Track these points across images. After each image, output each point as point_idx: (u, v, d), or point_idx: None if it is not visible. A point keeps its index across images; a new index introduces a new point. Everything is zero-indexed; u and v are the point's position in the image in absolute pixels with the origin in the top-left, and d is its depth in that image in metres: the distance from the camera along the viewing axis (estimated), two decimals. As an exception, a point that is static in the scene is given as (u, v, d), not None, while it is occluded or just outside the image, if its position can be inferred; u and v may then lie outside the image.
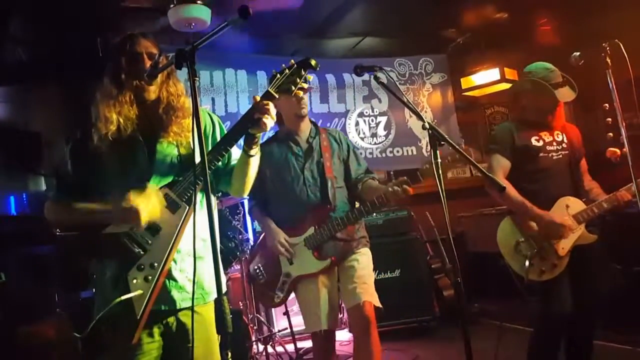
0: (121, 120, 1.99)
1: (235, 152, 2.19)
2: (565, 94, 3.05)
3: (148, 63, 2.02)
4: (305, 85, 2.08)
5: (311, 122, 3.18)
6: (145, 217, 1.90)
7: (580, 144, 3.19)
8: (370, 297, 2.88)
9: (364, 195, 3.00)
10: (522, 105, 3.23)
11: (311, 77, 2.07)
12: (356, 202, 3.13)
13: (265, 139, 3.23)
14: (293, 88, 2.01)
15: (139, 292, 1.89)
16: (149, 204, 1.92)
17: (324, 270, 2.94)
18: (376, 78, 2.36)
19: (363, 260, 3.00)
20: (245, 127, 2.01)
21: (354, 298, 2.87)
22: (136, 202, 1.89)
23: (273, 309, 5.31)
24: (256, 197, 3.14)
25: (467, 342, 2.01)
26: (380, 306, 2.91)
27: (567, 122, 3.25)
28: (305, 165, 3.03)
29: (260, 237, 3.41)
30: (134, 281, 1.90)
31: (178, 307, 2.00)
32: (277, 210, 3.10)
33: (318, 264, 2.94)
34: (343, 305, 3.02)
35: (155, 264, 1.93)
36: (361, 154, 6.06)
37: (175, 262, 2.00)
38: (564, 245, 2.92)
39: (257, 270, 3.21)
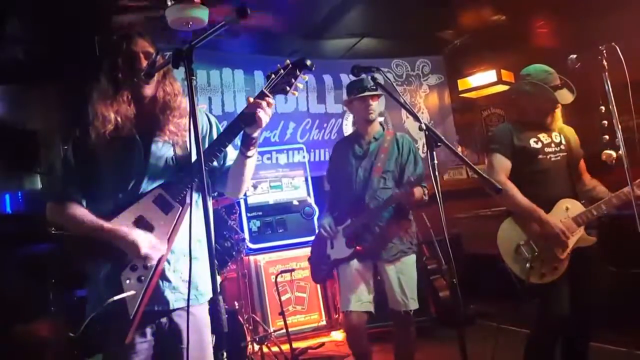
0: (119, 118, 1.98)
1: (231, 152, 2.19)
2: (564, 96, 3.06)
3: (145, 62, 2.02)
4: (301, 86, 2.07)
5: (381, 125, 3.52)
6: (144, 250, 1.92)
7: (578, 145, 3.20)
8: (415, 304, 3.29)
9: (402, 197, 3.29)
10: (520, 107, 3.23)
11: (307, 77, 2.06)
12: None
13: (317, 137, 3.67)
14: (288, 88, 2.00)
15: (132, 292, 1.89)
16: (150, 237, 1.93)
17: (353, 257, 3.31)
18: (373, 79, 2.37)
19: (407, 269, 3.33)
20: (239, 126, 2.00)
21: (402, 305, 3.26)
22: (138, 236, 1.92)
23: (269, 309, 5.32)
24: (330, 186, 3.74)
25: (462, 343, 2.02)
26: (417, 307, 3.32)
27: (565, 124, 3.26)
28: (361, 164, 3.38)
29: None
30: (127, 281, 1.90)
31: (171, 307, 2.00)
32: (336, 201, 3.53)
33: (346, 251, 3.33)
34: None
35: (149, 264, 1.92)
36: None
37: (169, 262, 2.00)
38: (565, 248, 2.92)
39: (313, 248, 3.72)
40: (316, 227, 3.83)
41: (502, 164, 3.05)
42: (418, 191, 3.24)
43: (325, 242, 3.50)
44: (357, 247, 3.29)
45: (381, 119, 6.43)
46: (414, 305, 3.29)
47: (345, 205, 3.41)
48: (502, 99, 6.91)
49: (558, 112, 3.15)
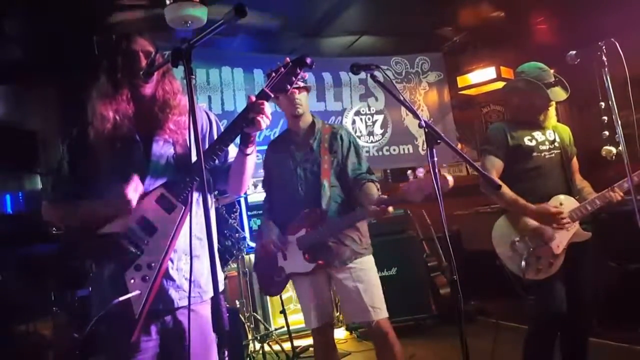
0: (118, 117, 1.99)
1: (232, 151, 2.19)
2: (558, 94, 3.07)
3: (144, 61, 2.03)
4: (302, 84, 2.07)
5: (314, 120, 3.12)
6: (131, 195, 1.91)
7: (571, 142, 3.20)
8: (382, 313, 2.91)
9: (363, 200, 2.90)
10: (514, 104, 3.24)
11: (307, 75, 2.06)
12: (352, 202, 3.05)
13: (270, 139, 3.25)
14: (288, 87, 2.00)
15: (137, 292, 1.89)
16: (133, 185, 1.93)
17: (313, 272, 2.95)
18: (373, 76, 2.36)
19: (364, 274, 2.95)
20: (240, 126, 2.01)
21: (365, 316, 2.89)
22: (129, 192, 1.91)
23: (270, 307, 5.33)
24: (265, 189, 3.31)
25: (463, 340, 2.02)
26: (387, 316, 2.93)
27: (559, 121, 3.26)
28: (299, 164, 3.03)
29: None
30: (132, 281, 1.91)
31: (176, 306, 2.01)
32: (277, 207, 3.14)
33: (306, 266, 2.96)
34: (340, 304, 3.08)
35: (153, 264, 1.93)
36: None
37: (172, 261, 2.00)
38: (559, 244, 2.93)
39: (259, 259, 3.28)
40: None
41: (494, 164, 3.06)
42: (377, 194, 2.86)
43: (274, 254, 3.10)
44: (319, 262, 2.93)
45: (379, 117, 6.44)
46: (378, 314, 2.88)
47: (292, 212, 2.99)
48: (501, 96, 6.90)
49: (552, 109, 3.15)
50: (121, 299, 1.86)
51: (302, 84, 2.96)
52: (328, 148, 3.02)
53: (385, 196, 2.69)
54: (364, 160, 3.08)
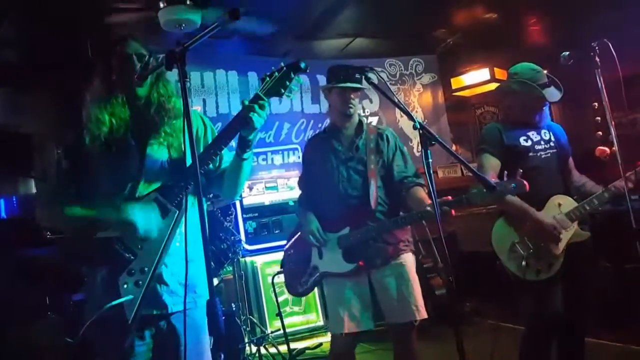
0: (113, 121, 1.99)
1: (227, 155, 2.19)
2: (552, 94, 3.07)
3: (138, 65, 2.03)
4: (296, 88, 2.08)
5: (361, 120, 3.12)
6: (141, 234, 1.91)
7: (566, 141, 3.21)
8: (424, 313, 2.87)
9: (410, 203, 2.87)
10: (508, 105, 3.25)
11: (302, 80, 2.07)
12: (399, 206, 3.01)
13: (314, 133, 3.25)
14: (282, 91, 2.02)
15: (130, 296, 1.88)
16: (147, 221, 1.93)
17: (351, 273, 2.86)
18: (367, 78, 2.37)
19: (406, 271, 2.90)
20: (235, 129, 2.01)
21: (409, 315, 2.82)
22: (136, 216, 1.91)
23: (266, 310, 5.31)
24: (301, 187, 3.23)
25: (459, 341, 2.02)
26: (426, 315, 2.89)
27: (553, 121, 3.27)
28: (343, 162, 2.99)
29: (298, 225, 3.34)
30: (125, 286, 1.90)
31: (170, 311, 2.00)
32: (317, 202, 3.06)
33: (345, 266, 2.87)
34: (382, 309, 2.89)
35: (146, 269, 1.92)
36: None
37: (166, 266, 2.00)
38: (559, 244, 2.93)
39: (290, 256, 3.20)
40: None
41: (491, 163, 3.05)
42: (426, 198, 2.81)
43: (308, 250, 3.02)
44: (360, 263, 2.83)
45: (374, 118, 6.46)
46: (420, 314, 2.83)
47: (334, 209, 2.94)
48: (495, 97, 6.93)
49: (546, 109, 3.16)
50: (113, 303, 1.86)
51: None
52: (374, 148, 3.00)
53: (449, 198, 2.65)
54: (410, 163, 3.05)
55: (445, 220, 2.46)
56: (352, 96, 2.96)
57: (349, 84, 2.92)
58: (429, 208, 2.64)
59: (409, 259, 2.94)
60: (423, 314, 2.85)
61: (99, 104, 2.01)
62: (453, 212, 2.59)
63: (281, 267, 3.29)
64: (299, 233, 3.13)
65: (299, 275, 3.07)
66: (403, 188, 2.92)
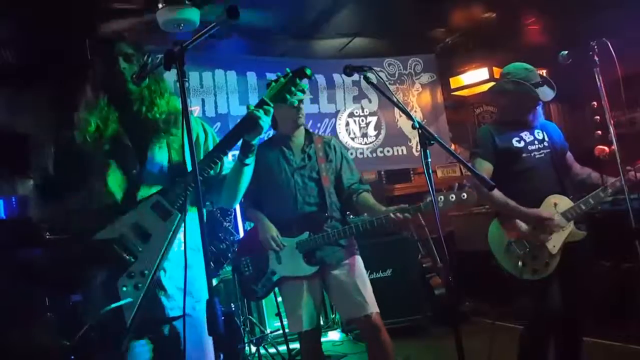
0: (99, 123, 1.98)
1: (226, 162, 2.19)
2: (545, 93, 3.07)
3: (125, 65, 2.02)
4: (301, 95, 2.09)
5: (307, 129, 3.22)
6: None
7: (561, 139, 3.20)
8: (376, 307, 2.98)
9: (360, 209, 3.12)
10: (502, 105, 3.25)
11: (307, 86, 2.09)
12: (348, 212, 3.21)
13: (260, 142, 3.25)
14: (288, 97, 2.02)
15: (129, 299, 1.87)
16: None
17: (310, 276, 2.99)
18: (366, 78, 2.37)
19: (358, 270, 3.05)
20: (239, 133, 2.01)
21: (361, 310, 2.95)
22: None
23: (265, 310, 5.31)
24: (249, 197, 3.10)
25: (459, 340, 2.02)
26: (378, 310, 2.98)
27: (549, 120, 3.27)
28: (296, 170, 3.07)
29: (250, 230, 3.42)
30: (124, 288, 1.89)
31: (167, 315, 1.99)
32: (269, 211, 3.12)
33: (306, 269, 2.99)
34: (335, 307, 3.11)
35: (146, 272, 1.91)
36: (351, 154, 6.08)
37: (164, 270, 1.99)
38: (555, 243, 2.94)
39: (244, 263, 3.24)
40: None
41: (483, 167, 3.05)
42: (375, 204, 3.01)
43: (264, 256, 3.08)
44: (319, 265, 2.99)
45: (373, 118, 6.46)
46: (374, 307, 2.96)
47: (286, 216, 3.02)
48: (489, 98, 6.93)
49: (539, 109, 3.16)
50: (112, 306, 1.85)
51: (302, 95, 2.99)
52: (324, 157, 3.12)
53: (406, 205, 2.80)
54: (355, 170, 3.21)
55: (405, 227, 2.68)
56: (301, 105, 3.05)
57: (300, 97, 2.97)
58: (392, 215, 2.81)
59: (358, 260, 3.09)
60: (375, 307, 2.97)
61: (86, 105, 2.01)
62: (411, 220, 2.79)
63: (232, 272, 3.33)
64: (248, 242, 3.22)
65: (257, 281, 3.14)
66: (353, 194, 3.09)
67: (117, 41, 2.05)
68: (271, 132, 3.39)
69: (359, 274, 3.04)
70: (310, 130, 3.26)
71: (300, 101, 3.02)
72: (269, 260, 3.09)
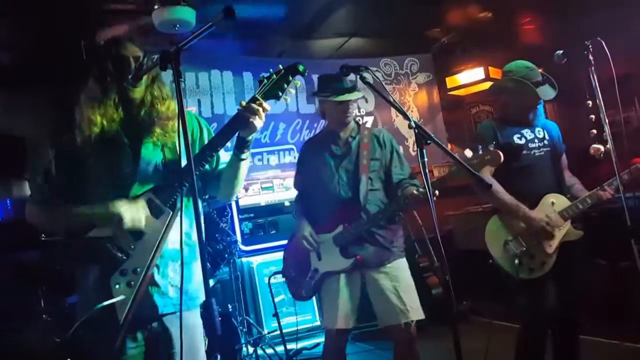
0: (105, 122, 1.98)
1: (223, 156, 2.19)
2: (546, 92, 3.08)
3: (134, 66, 2.02)
4: (293, 91, 2.09)
5: (355, 122, 3.18)
6: (127, 224, 1.90)
7: (560, 139, 3.22)
8: (420, 313, 2.94)
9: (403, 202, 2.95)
10: (503, 103, 3.25)
11: (299, 82, 2.08)
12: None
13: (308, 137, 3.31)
14: (280, 93, 2.02)
15: (122, 297, 1.87)
16: (134, 212, 1.92)
17: (348, 269, 2.94)
18: (362, 78, 2.36)
19: (402, 274, 2.98)
20: (233, 130, 2.01)
21: (400, 316, 2.88)
22: (122, 208, 1.90)
23: (263, 311, 5.31)
24: (298, 195, 3.28)
25: (456, 340, 2.02)
26: (421, 317, 2.95)
27: (547, 119, 3.28)
28: (341, 164, 3.05)
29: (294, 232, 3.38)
30: (117, 286, 1.89)
31: (160, 312, 1.99)
32: (313, 207, 3.12)
33: (343, 262, 2.94)
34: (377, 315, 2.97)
35: (138, 269, 1.91)
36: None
37: (158, 267, 1.99)
38: (552, 243, 2.94)
39: (289, 263, 3.24)
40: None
41: None
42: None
43: (306, 255, 3.07)
44: (357, 257, 2.91)
45: (369, 118, 6.46)
46: (417, 314, 2.91)
47: (329, 210, 3.00)
48: (489, 96, 6.94)
49: (540, 107, 3.17)
50: (104, 303, 1.84)
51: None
52: (367, 144, 3.05)
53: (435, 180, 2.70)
54: (406, 165, 3.11)
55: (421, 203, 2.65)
56: (349, 105, 3.03)
57: (347, 96, 2.99)
58: (414, 191, 2.74)
59: (402, 263, 3.03)
60: (418, 314, 2.92)
61: (92, 104, 1.99)
62: (437, 193, 2.57)
63: (282, 276, 3.32)
64: (294, 239, 3.17)
65: (301, 280, 3.11)
66: (399, 189, 2.97)
67: (127, 42, 2.05)
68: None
69: (403, 278, 2.96)
70: (359, 122, 3.22)
71: (352, 100, 3.03)
72: (310, 259, 3.07)
